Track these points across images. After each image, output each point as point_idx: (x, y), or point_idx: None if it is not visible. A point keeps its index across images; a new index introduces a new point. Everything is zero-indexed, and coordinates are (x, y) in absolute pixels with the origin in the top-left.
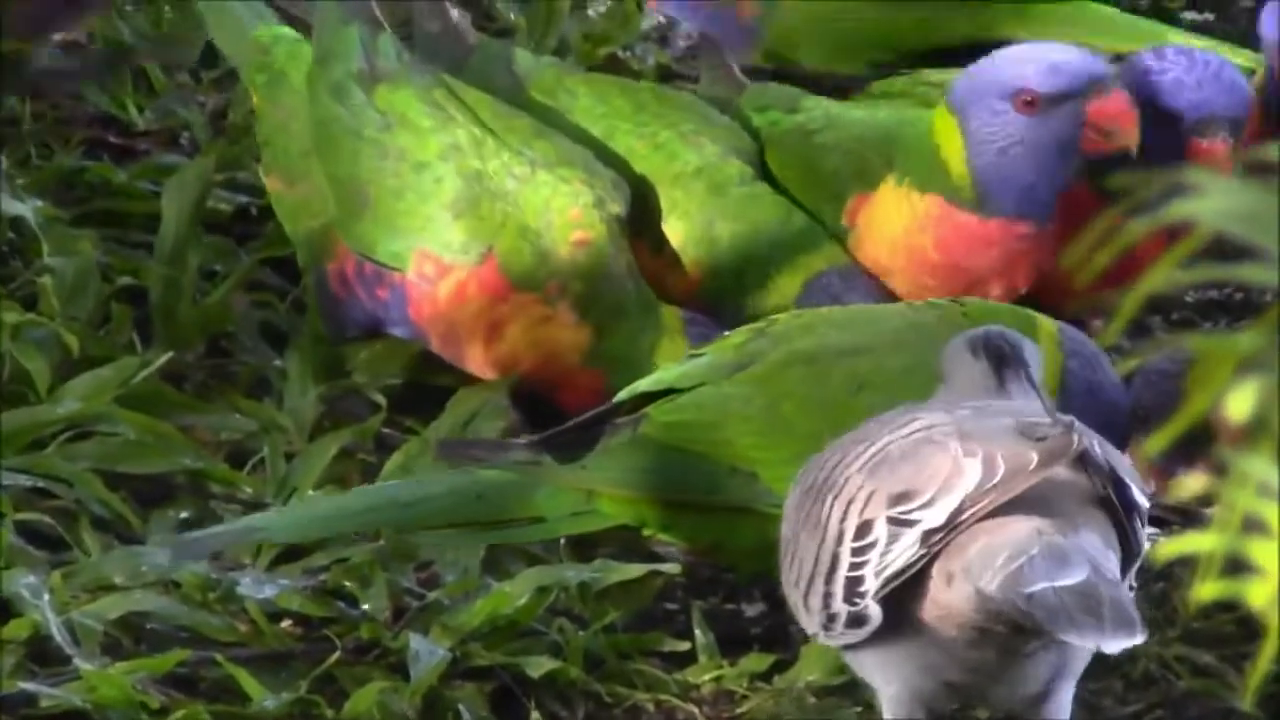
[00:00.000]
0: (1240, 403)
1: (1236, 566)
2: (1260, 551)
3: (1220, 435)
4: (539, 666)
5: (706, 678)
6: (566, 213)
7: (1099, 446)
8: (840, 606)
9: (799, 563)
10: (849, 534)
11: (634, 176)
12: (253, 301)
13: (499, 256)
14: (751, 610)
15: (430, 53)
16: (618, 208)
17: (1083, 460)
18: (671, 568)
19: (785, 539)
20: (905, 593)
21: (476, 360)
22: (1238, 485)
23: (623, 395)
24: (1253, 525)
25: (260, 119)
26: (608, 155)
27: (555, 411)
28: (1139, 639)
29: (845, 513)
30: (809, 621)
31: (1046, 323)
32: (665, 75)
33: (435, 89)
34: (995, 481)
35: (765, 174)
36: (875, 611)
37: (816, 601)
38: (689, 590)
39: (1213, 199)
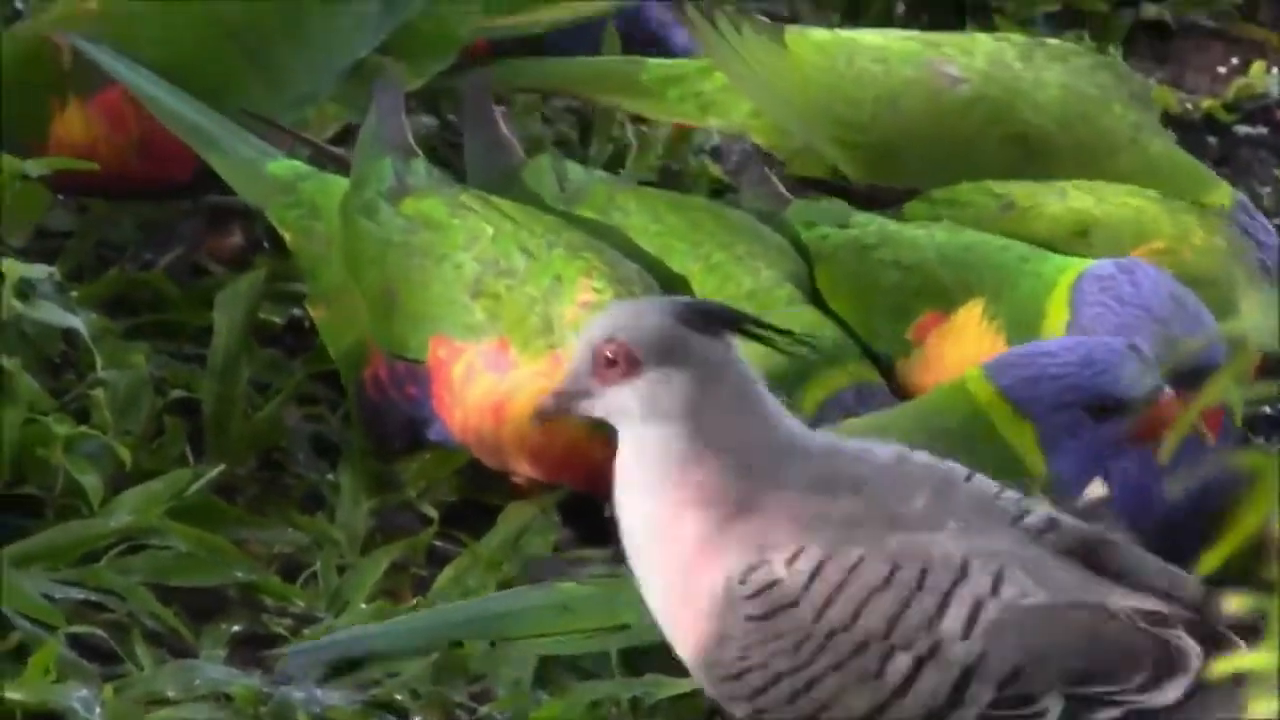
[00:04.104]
0: None
1: None
2: None
3: (1269, 551)
4: None
5: None
6: (576, 280)
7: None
8: None
9: (817, 689)
10: (980, 699)
11: (684, 289)
12: (304, 415)
13: (506, 331)
14: None
15: (479, 162)
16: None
17: None
18: None
19: (780, 652)
20: None
21: (487, 442)
22: None
23: None
24: None
25: (298, 254)
26: (660, 271)
27: (606, 525)
28: None
29: (963, 676)
30: None
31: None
32: (717, 190)
33: (461, 194)
34: None
35: (814, 291)
36: None
37: None
38: None
39: (1260, 317)
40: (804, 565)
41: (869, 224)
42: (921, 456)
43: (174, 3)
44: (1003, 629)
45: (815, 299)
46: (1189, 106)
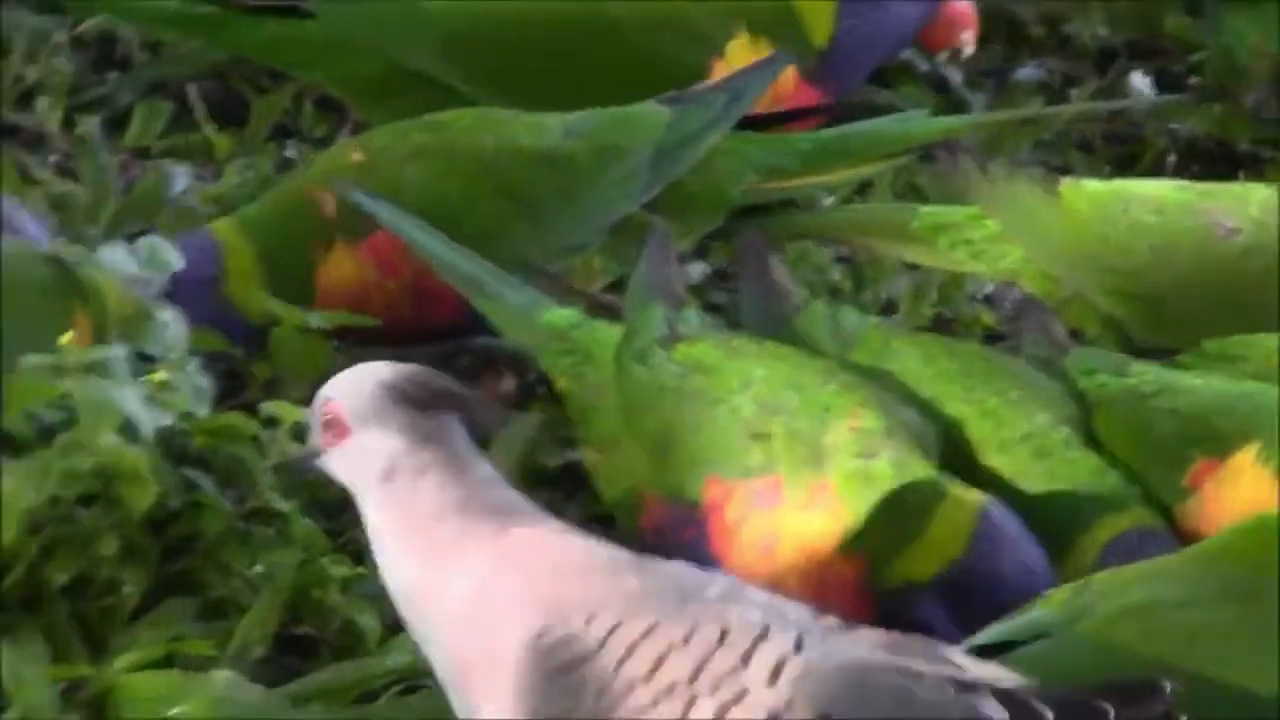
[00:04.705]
0: None
1: None
2: None
3: None
4: None
5: None
6: (848, 409)
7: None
8: None
9: None
10: None
11: (959, 440)
12: None
13: (781, 468)
14: None
15: (755, 310)
16: (913, 444)
17: None
18: None
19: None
20: None
21: (762, 581)
22: None
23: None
24: None
25: (571, 401)
26: (934, 415)
27: None
28: None
29: None
30: None
31: None
32: (991, 337)
33: (734, 339)
34: None
35: (1092, 438)
36: None
37: None
38: None
39: None
40: (601, 624)
41: (1146, 373)
42: (710, 573)
43: (443, 155)
44: (809, 680)
45: (1094, 446)
46: None
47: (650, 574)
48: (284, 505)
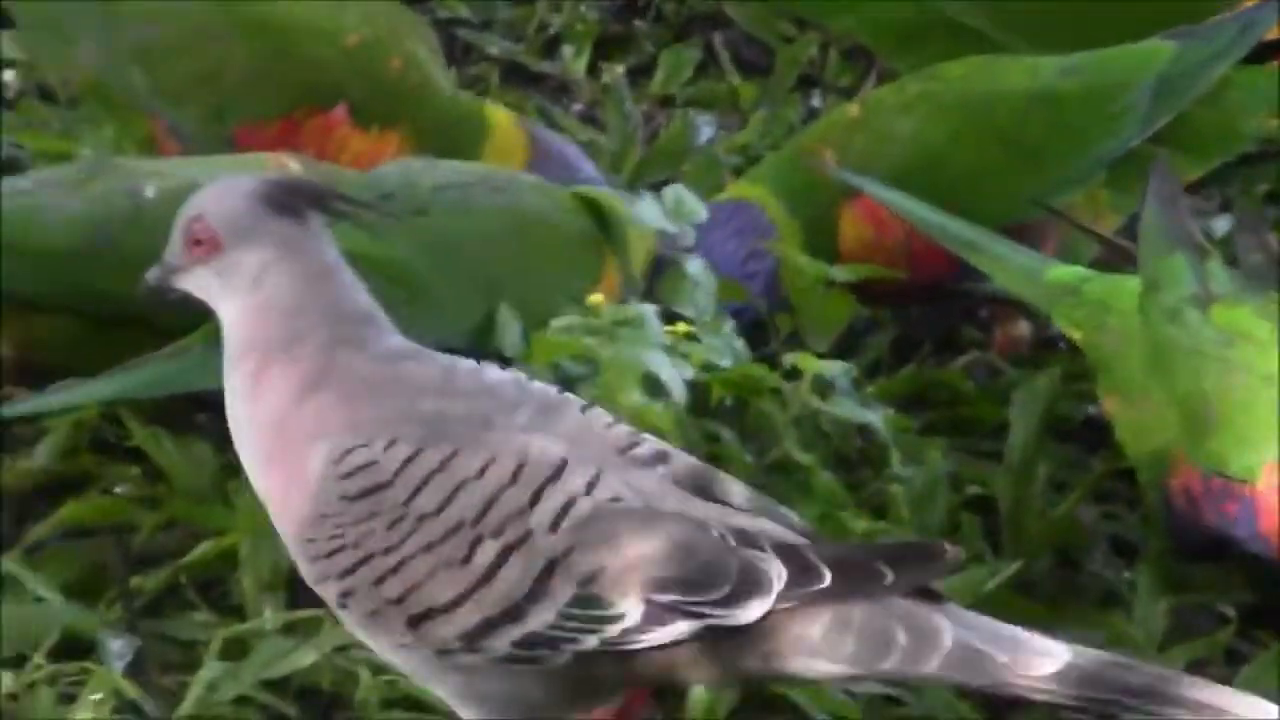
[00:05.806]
0: None
1: None
2: None
3: None
4: None
5: None
6: None
7: None
8: (504, 647)
9: (405, 572)
10: (559, 595)
11: None
12: (1102, 513)
13: None
14: None
15: (1255, 281)
16: None
17: None
18: None
19: (351, 523)
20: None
21: None
22: None
23: None
24: None
25: (1089, 349)
26: None
27: None
28: None
29: (546, 569)
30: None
31: None
32: None
33: (1270, 303)
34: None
35: None
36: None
37: (454, 625)
38: None
39: None
40: (400, 452)
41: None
42: (540, 384)
43: (932, 102)
44: (591, 526)
45: None
46: None
47: (464, 397)
48: (805, 458)
